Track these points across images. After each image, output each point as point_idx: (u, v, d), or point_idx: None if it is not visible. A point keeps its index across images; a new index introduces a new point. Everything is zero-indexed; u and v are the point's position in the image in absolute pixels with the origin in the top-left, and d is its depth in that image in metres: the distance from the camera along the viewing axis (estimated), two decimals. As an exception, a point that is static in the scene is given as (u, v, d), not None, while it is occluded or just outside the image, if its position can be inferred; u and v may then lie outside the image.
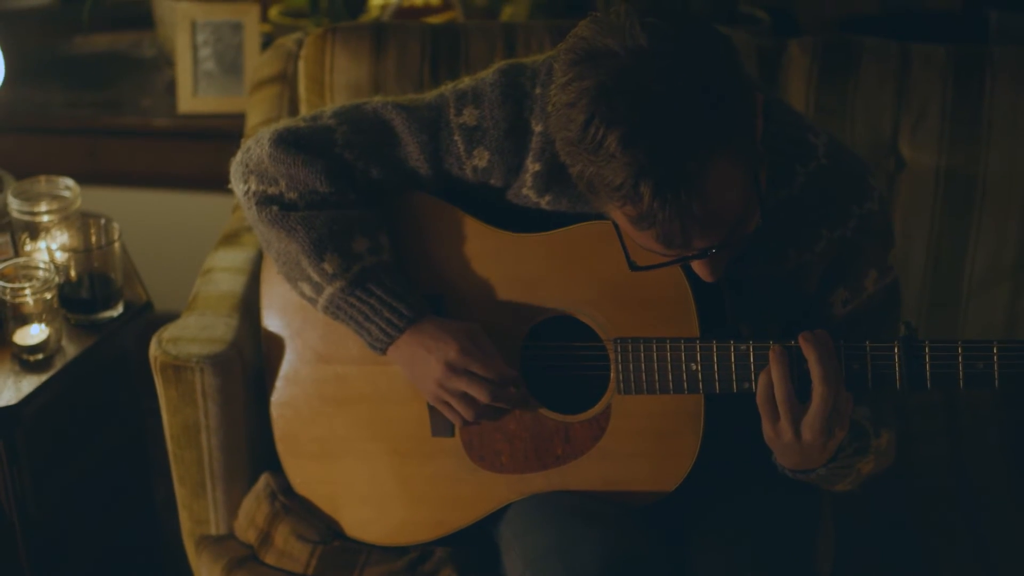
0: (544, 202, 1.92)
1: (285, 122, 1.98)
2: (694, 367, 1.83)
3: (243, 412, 2.16)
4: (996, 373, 1.71)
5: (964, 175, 2.44)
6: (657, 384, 1.86)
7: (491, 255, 1.94)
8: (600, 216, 1.87)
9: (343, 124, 1.95)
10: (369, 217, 1.93)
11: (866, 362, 1.74)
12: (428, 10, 3.52)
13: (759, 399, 1.75)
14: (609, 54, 1.61)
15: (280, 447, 2.12)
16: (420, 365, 1.89)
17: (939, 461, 2.35)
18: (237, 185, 1.98)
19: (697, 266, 1.73)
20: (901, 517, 2.23)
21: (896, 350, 1.73)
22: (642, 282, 1.86)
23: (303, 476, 2.11)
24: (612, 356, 1.88)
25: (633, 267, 1.76)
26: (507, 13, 3.24)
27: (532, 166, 1.90)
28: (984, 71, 2.44)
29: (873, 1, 3.26)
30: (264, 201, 1.93)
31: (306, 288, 1.93)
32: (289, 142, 1.93)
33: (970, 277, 2.47)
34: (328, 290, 1.90)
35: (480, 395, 1.88)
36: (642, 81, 1.59)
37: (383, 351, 1.91)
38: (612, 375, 1.89)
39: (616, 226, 1.75)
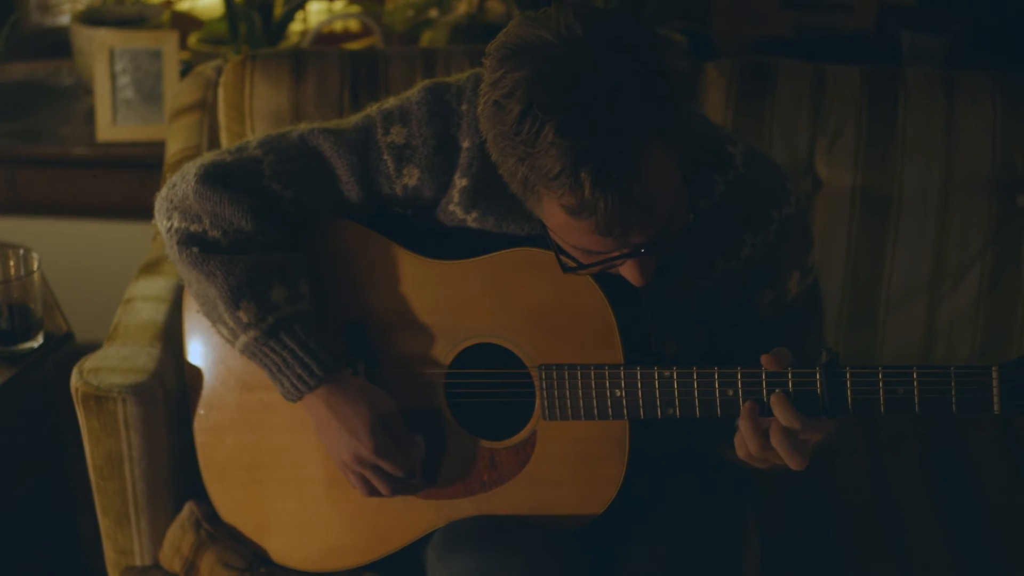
0: (471, 219, 1.92)
1: (210, 156, 1.96)
2: (618, 393, 1.84)
3: (166, 441, 2.15)
4: (916, 398, 1.72)
5: (879, 194, 2.48)
6: (582, 410, 1.86)
7: (415, 282, 1.94)
8: (525, 240, 1.89)
9: (269, 153, 1.94)
10: (291, 262, 1.92)
11: (788, 387, 1.75)
12: (347, 36, 3.52)
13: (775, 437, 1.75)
14: (544, 44, 1.62)
15: (205, 474, 2.10)
16: (329, 435, 1.90)
17: (860, 474, 2.38)
18: (161, 221, 1.96)
19: (627, 268, 1.73)
20: (824, 530, 2.25)
21: (818, 376, 1.74)
22: (566, 309, 1.86)
23: (229, 503, 2.10)
24: (537, 383, 1.89)
25: (566, 268, 1.76)
26: (426, 38, 3.25)
27: (459, 182, 1.90)
28: (897, 91, 2.48)
29: (788, 23, 3.30)
30: (185, 240, 1.91)
31: (224, 331, 1.92)
32: (215, 178, 1.91)
33: (887, 294, 2.50)
34: (243, 338, 1.89)
35: (382, 488, 1.91)
36: (579, 68, 1.60)
37: (296, 401, 1.91)
38: (537, 401, 1.90)
39: (547, 232, 1.75)
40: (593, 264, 1.74)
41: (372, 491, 1.92)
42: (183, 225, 1.92)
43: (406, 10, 3.29)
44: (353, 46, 3.40)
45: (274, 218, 1.93)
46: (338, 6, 3.49)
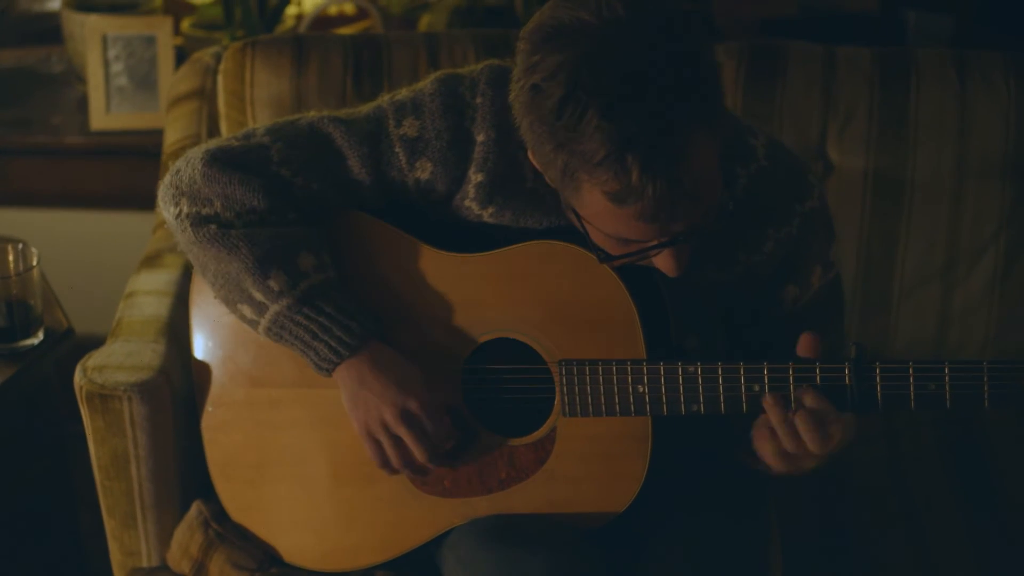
0: (487, 214, 1.88)
1: (216, 141, 1.92)
2: (641, 389, 1.80)
3: (172, 440, 2.11)
4: (948, 394, 1.69)
5: (892, 177, 2.45)
6: (603, 407, 1.82)
7: (432, 275, 1.90)
8: (544, 234, 1.85)
9: (278, 141, 1.89)
10: (312, 234, 1.87)
11: (815, 382, 1.72)
12: (343, 20, 3.48)
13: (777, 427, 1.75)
14: (585, 26, 1.58)
15: (214, 473, 2.06)
16: (369, 394, 1.83)
17: (877, 462, 2.37)
18: (167, 208, 1.90)
19: (663, 259, 1.69)
20: (842, 518, 2.24)
21: (847, 371, 1.71)
22: (586, 302, 1.82)
23: (238, 502, 2.06)
24: (557, 379, 1.85)
25: (603, 259, 1.72)
26: (425, 22, 3.20)
27: (475, 177, 1.86)
28: (909, 73, 2.45)
29: (791, 2, 3.27)
30: (200, 222, 1.86)
31: (247, 310, 1.87)
32: (223, 161, 1.86)
33: (901, 278, 2.48)
34: (273, 308, 1.84)
35: (418, 453, 1.84)
36: (623, 51, 1.56)
37: (330, 372, 1.85)
38: (557, 398, 1.86)
39: (580, 220, 1.70)
40: (629, 254, 1.70)
41: (402, 456, 1.85)
42: (193, 210, 1.87)
43: (403, -8, 3.25)
44: (348, 30, 3.35)
45: (286, 201, 1.88)
46: (334, -11, 3.44)
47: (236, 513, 2.06)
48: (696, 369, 1.77)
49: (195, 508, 2.10)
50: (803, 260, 1.87)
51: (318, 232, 1.89)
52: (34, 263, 2.27)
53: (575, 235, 1.81)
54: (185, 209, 1.87)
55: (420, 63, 2.46)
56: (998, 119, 2.43)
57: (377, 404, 1.83)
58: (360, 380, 1.84)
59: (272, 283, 1.83)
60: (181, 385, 2.11)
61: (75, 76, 3.24)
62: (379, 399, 1.83)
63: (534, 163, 1.72)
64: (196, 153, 1.89)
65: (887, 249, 2.47)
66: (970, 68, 2.45)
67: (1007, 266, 2.47)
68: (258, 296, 1.84)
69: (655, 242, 1.67)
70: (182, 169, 1.89)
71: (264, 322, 1.86)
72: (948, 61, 2.46)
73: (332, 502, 1.99)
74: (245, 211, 1.86)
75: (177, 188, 1.89)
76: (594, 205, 1.64)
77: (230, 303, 1.88)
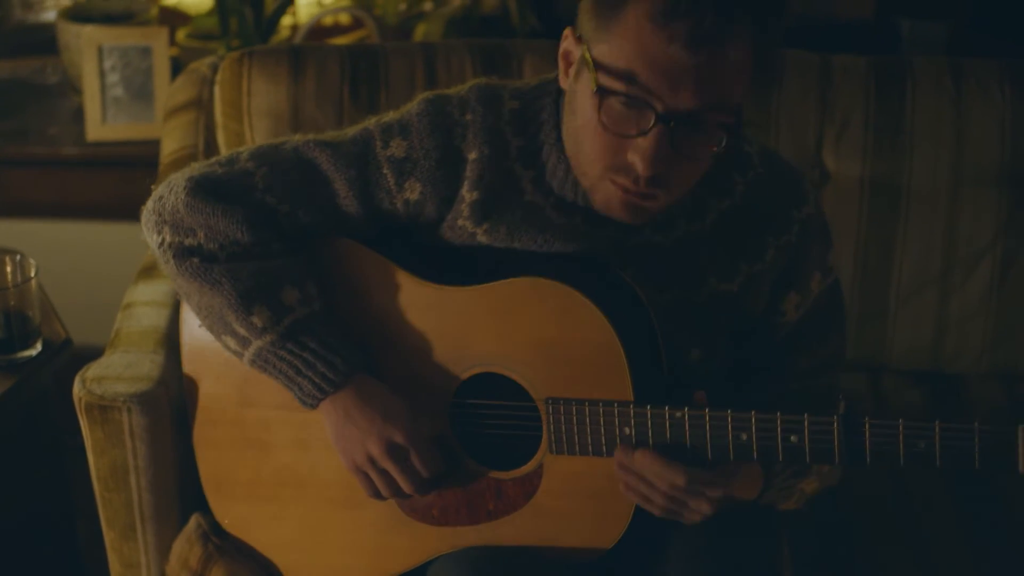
0: (481, 231, 1.85)
1: (199, 167, 1.88)
2: (628, 431, 1.77)
3: (172, 451, 2.10)
4: (937, 453, 1.66)
5: (888, 184, 2.45)
6: (590, 446, 1.80)
7: (420, 308, 1.87)
8: (536, 256, 1.83)
9: (262, 166, 1.86)
10: (296, 266, 1.85)
11: (804, 435, 1.70)
12: (337, 29, 3.48)
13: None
14: None
15: (207, 489, 2.05)
16: (354, 429, 1.82)
17: (879, 471, 2.33)
18: (150, 236, 1.87)
19: (644, 143, 1.65)
20: (844, 526, 2.24)
21: (835, 426, 1.69)
22: (574, 342, 1.79)
23: (232, 518, 2.05)
24: (544, 416, 1.82)
25: (598, 90, 1.66)
26: (420, 31, 3.21)
27: (468, 195, 1.84)
28: (905, 81, 2.45)
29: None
30: (182, 253, 1.84)
31: (231, 342, 1.84)
32: (206, 189, 1.83)
33: (898, 286, 2.48)
34: (256, 343, 1.82)
35: (405, 485, 1.83)
36: None
37: (314, 406, 1.83)
38: (544, 435, 1.84)
39: (593, 65, 1.67)
40: (625, 95, 1.64)
41: (390, 487, 1.85)
42: (176, 239, 1.84)
43: (398, 3, 3.25)
44: (344, 40, 3.36)
45: (270, 231, 1.85)
46: (329, -1, 3.45)
47: (230, 528, 2.06)
48: (683, 415, 1.74)
49: (194, 521, 2.09)
50: (803, 267, 1.87)
51: (304, 261, 1.87)
52: (32, 274, 2.26)
53: (566, 261, 1.81)
54: (168, 238, 1.85)
55: (417, 73, 2.46)
56: (994, 126, 2.44)
57: (362, 438, 1.82)
58: (346, 415, 1.83)
59: (255, 319, 1.81)
60: (180, 396, 2.10)
61: (71, 87, 3.24)
62: (364, 433, 1.82)
63: (569, 39, 1.72)
64: (179, 180, 1.86)
65: (884, 256, 2.47)
66: (965, 75, 2.46)
67: (1003, 273, 2.47)
68: (241, 331, 1.82)
69: (651, 114, 1.63)
70: (165, 196, 1.86)
71: (247, 355, 1.84)
72: (943, 68, 2.47)
73: (323, 524, 1.98)
74: (228, 243, 1.83)
75: (160, 216, 1.86)
76: (625, 32, 1.62)
77: (215, 333, 1.86)
